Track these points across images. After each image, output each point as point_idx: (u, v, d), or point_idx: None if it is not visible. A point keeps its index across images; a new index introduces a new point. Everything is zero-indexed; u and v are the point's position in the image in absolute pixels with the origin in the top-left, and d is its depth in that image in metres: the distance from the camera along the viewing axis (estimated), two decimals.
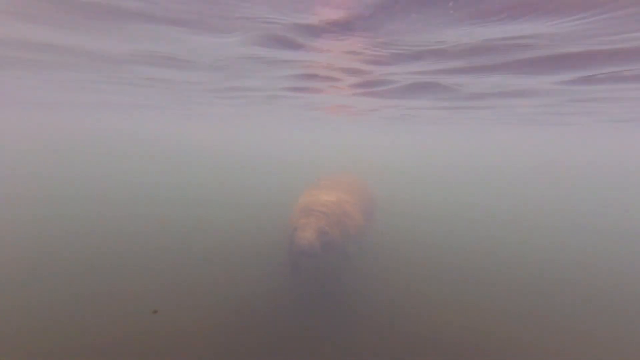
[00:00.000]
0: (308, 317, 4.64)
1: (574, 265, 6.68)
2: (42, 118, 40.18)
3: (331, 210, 5.18)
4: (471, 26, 3.79)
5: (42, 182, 11.02)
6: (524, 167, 22.23)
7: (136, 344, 3.82)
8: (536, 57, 4.98)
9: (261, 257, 6.36)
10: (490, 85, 7.28)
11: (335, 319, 4.65)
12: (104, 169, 14.30)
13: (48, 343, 3.75)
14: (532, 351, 4.12)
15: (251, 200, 10.70)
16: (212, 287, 5.20)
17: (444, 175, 18.71)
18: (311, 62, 6.03)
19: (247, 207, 9.78)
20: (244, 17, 3.91)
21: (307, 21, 3.97)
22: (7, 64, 7.80)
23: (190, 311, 4.52)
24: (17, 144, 20.42)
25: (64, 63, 7.26)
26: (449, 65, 5.64)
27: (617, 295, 5.55)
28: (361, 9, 3.56)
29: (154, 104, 15.54)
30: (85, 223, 7.54)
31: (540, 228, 8.96)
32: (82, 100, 16.36)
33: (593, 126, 17.13)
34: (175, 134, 49.11)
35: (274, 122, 26.49)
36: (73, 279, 5.12)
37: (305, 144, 47.45)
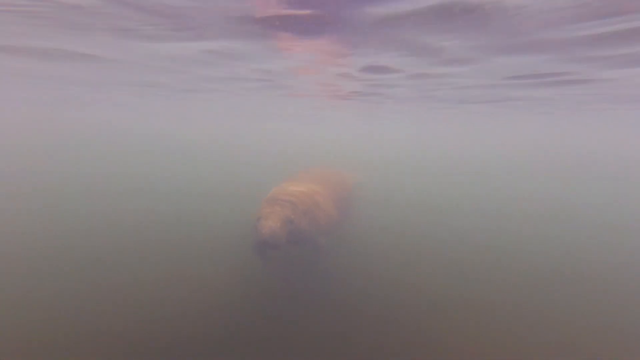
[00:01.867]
0: (291, 311, 4.57)
1: (567, 257, 6.49)
2: (38, 113, 39.41)
3: (299, 199, 5.07)
4: None
5: (35, 177, 10.78)
6: (516, 157, 22.23)
7: (124, 339, 3.73)
8: None
9: (243, 250, 6.27)
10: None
11: (313, 311, 4.58)
12: (94, 164, 14.03)
13: (43, 339, 3.65)
14: (528, 346, 3.96)
15: (236, 194, 10.55)
16: (205, 280, 5.11)
17: (432, 167, 18.69)
18: None
19: (235, 201, 9.56)
20: None
21: None
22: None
23: (186, 306, 4.42)
24: (16, 139, 19.94)
25: None
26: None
27: (614, 289, 5.35)
28: None
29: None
30: (75, 218, 7.37)
31: (532, 219, 8.83)
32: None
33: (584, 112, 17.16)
34: (160, 128, 48.44)
35: (261, 112, 26.20)
36: (59, 275, 4.98)
37: (290, 137, 47.00)
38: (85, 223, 7.17)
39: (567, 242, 7.22)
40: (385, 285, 5.31)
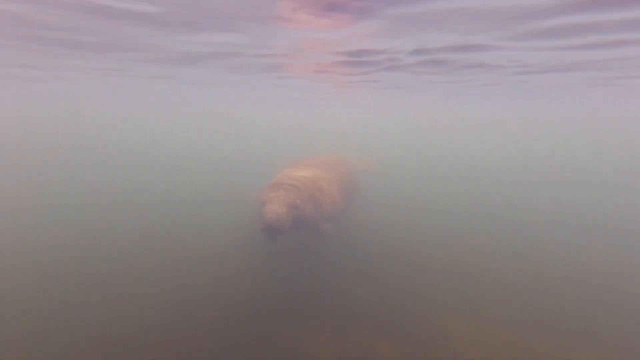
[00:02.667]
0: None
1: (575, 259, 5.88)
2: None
3: (304, 184, 5.02)
4: None
5: (33, 181, 10.60)
6: (528, 154, 21.70)
7: (129, 345, 3.64)
8: None
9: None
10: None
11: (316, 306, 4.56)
12: (92, 166, 13.79)
13: (42, 348, 3.59)
14: (531, 350, 3.73)
15: (242, 183, 10.39)
16: (212, 283, 4.83)
17: (440, 154, 18.48)
18: None
19: (243, 193, 9.11)
20: None
21: None
22: None
23: (188, 310, 4.24)
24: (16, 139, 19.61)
25: None
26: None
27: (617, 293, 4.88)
28: None
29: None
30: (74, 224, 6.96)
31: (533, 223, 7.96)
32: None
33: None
34: (159, 116, 47.54)
35: (267, 99, 25.90)
36: (59, 280, 4.81)
37: (296, 124, 46.29)
38: (85, 221, 7.00)
39: (576, 244, 6.54)
40: (388, 278, 5.14)
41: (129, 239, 6.15)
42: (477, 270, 5.38)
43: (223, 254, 5.68)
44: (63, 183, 9.47)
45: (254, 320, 4.00)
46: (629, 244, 6.49)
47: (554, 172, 13.56)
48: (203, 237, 6.34)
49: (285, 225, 4.33)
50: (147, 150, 16.49)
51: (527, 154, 19.29)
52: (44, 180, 9.65)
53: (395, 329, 3.92)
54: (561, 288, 4.95)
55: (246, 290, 4.62)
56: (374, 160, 12.39)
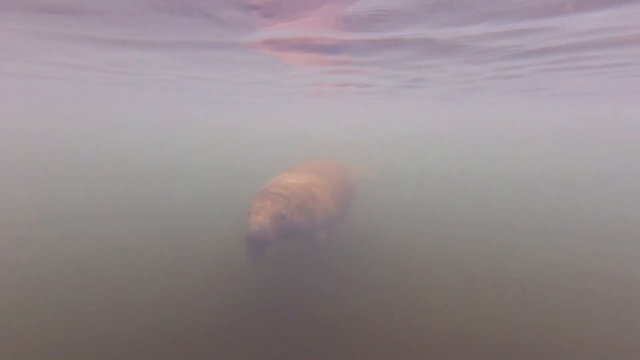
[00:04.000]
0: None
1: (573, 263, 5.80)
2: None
3: (293, 192, 4.78)
4: None
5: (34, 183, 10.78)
6: (529, 159, 20.91)
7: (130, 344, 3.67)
8: None
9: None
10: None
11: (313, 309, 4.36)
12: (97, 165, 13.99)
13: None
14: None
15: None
16: (216, 286, 4.91)
17: (440, 162, 18.06)
18: None
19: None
20: None
21: None
22: None
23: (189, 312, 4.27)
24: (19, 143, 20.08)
25: None
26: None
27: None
28: None
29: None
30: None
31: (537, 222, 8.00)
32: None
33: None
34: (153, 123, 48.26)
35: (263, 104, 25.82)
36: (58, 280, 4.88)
37: (297, 132, 46.19)
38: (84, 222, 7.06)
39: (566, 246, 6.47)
40: (384, 283, 5.06)
41: (133, 246, 6.15)
42: (468, 265, 5.62)
43: (229, 254, 5.84)
44: (64, 192, 9.52)
45: (264, 292, 4.73)
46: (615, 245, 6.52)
47: (548, 176, 13.13)
48: (208, 242, 6.44)
49: (270, 237, 4.11)
50: (149, 158, 16.57)
51: (522, 158, 18.71)
52: (45, 189, 9.72)
53: (382, 299, 4.56)
54: (548, 280, 5.17)
55: (257, 273, 5.16)
56: (374, 166, 12.11)
